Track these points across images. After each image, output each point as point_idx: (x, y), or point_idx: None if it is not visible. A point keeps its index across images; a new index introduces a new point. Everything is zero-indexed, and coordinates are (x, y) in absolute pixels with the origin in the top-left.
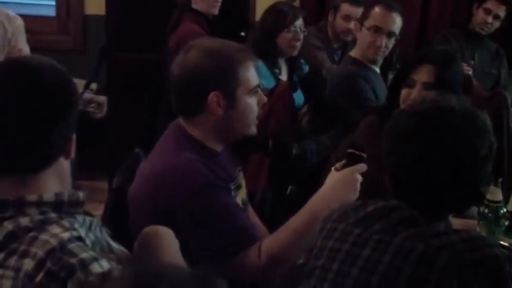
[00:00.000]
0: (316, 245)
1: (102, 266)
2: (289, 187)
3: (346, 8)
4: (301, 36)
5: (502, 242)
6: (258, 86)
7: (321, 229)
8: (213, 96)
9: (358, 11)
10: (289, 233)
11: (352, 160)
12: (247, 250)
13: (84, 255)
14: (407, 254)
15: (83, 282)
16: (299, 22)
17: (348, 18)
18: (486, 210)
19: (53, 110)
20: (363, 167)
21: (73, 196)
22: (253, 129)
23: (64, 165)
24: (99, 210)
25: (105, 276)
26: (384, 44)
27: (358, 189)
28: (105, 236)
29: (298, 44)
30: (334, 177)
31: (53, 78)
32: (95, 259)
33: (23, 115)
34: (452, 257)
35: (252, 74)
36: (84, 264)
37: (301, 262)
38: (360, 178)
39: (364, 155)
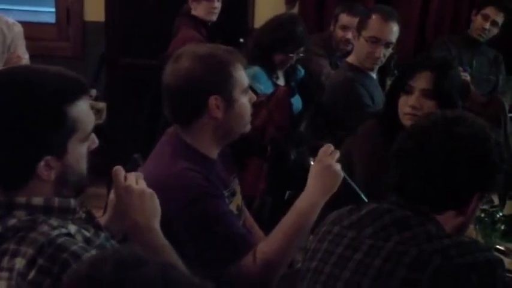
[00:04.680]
0: (311, 248)
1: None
2: (288, 192)
3: (343, 18)
4: (294, 59)
5: (498, 246)
6: (249, 86)
7: (316, 232)
8: (212, 100)
9: (355, 21)
10: (281, 236)
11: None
12: (243, 257)
13: (74, 247)
14: (400, 258)
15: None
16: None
17: (345, 28)
18: (482, 215)
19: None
20: (334, 152)
21: (64, 203)
22: (248, 127)
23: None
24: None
25: None
26: (381, 55)
27: (340, 174)
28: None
29: (289, 63)
30: (312, 172)
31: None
32: (86, 250)
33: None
34: (443, 261)
35: (243, 74)
36: (77, 255)
37: (299, 266)
38: (334, 162)
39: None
